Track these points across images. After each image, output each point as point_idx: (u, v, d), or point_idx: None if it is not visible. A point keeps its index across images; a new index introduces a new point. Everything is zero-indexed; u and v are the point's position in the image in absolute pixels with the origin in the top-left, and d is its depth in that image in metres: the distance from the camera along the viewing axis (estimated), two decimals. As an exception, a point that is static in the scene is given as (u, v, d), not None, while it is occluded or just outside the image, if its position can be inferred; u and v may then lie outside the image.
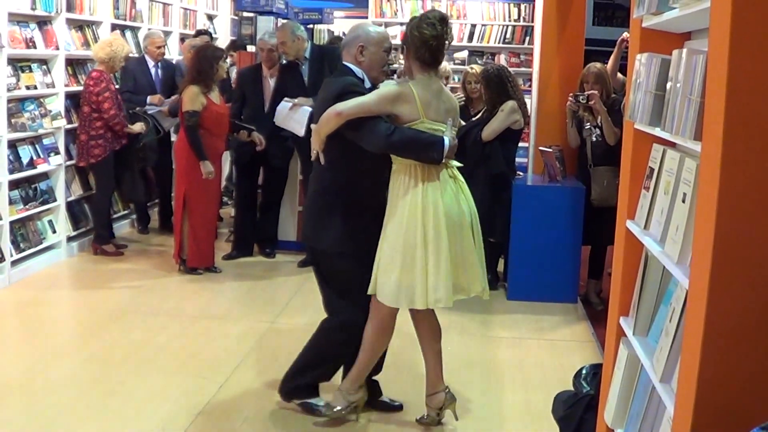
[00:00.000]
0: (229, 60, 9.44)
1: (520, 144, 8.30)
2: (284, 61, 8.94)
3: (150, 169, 9.81)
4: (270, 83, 8.97)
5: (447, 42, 4.82)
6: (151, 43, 9.92)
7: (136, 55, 10.23)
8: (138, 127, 9.06)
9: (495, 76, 7.91)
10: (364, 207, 5.01)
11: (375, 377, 5.48)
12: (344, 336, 5.16)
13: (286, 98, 8.52)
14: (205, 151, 8.09)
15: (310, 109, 8.26)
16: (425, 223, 4.76)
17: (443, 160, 4.78)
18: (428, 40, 4.76)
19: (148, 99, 9.49)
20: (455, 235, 4.84)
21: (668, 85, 3.23)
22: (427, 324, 5.17)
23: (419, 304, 4.83)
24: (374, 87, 4.99)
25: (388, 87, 4.86)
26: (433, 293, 4.80)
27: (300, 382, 5.33)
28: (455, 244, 4.84)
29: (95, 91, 8.69)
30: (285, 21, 9.73)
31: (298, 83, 8.71)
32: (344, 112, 4.75)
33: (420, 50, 4.80)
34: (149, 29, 10.69)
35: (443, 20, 4.79)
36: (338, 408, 5.18)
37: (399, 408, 5.49)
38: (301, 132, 8.45)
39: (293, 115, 8.47)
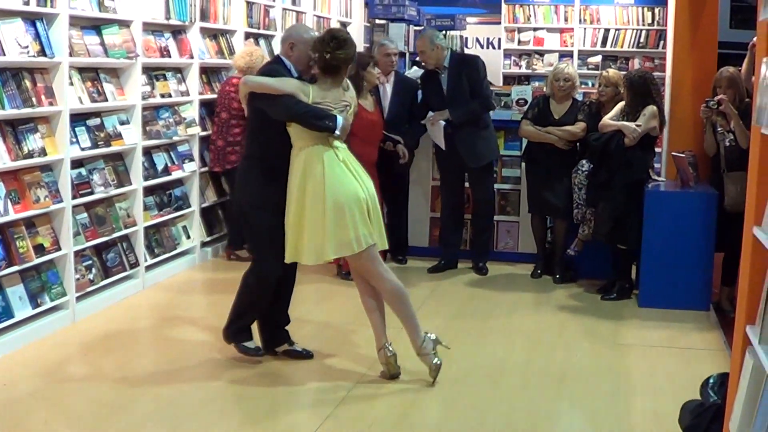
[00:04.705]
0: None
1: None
2: (416, 70, 8.99)
3: None
4: (387, 90, 8.90)
5: (340, 56, 5.77)
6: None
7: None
8: None
9: (639, 78, 7.87)
10: (276, 171, 5.94)
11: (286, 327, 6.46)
12: (259, 283, 6.14)
13: (430, 113, 8.68)
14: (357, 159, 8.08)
15: (443, 122, 8.41)
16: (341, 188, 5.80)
17: (337, 132, 5.78)
18: (322, 53, 5.76)
19: None
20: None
21: (794, 88, 3.16)
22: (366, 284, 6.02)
23: (374, 240, 5.88)
24: (300, 77, 5.97)
25: (292, 80, 5.88)
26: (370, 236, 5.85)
27: (238, 326, 6.27)
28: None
29: (237, 98, 8.78)
30: (424, 29, 9.76)
31: (438, 92, 8.71)
32: (248, 82, 5.99)
33: (319, 61, 5.82)
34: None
35: (333, 38, 5.79)
36: (436, 362, 5.88)
37: (309, 356, 6.40)
38: (443, 145, 8.57)
39: (434, 131, 8.59)
